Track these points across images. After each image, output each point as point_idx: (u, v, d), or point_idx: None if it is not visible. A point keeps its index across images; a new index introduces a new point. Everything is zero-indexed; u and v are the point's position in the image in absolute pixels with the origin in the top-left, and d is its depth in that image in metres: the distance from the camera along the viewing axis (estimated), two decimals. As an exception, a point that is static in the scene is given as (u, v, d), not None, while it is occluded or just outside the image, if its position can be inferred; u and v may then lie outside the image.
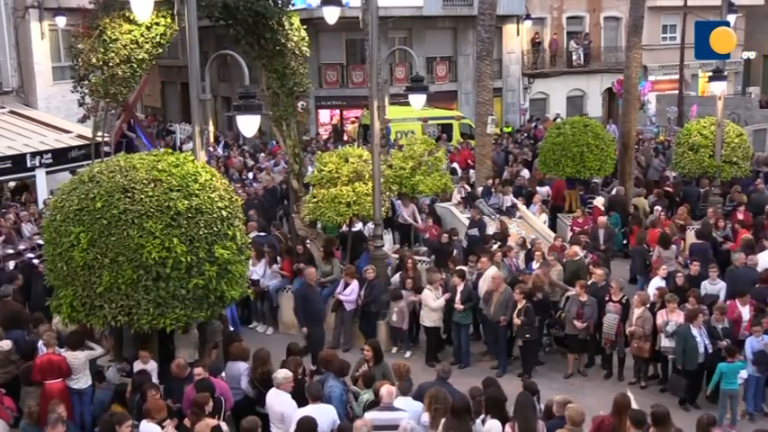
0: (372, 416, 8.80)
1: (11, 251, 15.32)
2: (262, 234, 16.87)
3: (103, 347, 11.61)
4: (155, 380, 10.44)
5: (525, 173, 23.70)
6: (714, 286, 13.79)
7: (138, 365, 10.60)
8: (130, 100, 17.28)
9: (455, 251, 16.17)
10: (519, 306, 13.03)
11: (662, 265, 14.35)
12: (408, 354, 14.19)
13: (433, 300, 13.57)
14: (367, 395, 9.63)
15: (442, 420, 8.52)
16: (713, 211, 17.75)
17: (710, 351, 11.90)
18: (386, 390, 9.00)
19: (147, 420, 8.82)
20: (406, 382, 9.49)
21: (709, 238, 16.47)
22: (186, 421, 8.85)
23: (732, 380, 11.57)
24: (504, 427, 8.67)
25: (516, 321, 13.01)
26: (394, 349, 14.23)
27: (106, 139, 14.60)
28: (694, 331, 11.92)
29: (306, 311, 13.55)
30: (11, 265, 14.61)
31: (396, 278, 14.88)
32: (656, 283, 13.91)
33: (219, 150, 30.29)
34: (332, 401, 9.36)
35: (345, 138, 32.54)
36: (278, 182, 21.64)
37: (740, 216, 17.78)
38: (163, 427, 8.80)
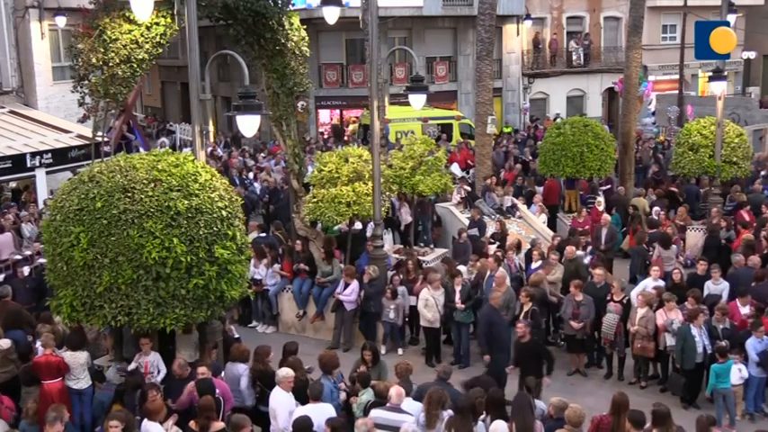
0: (377, 414, 8.83)
1: (19, 257, 15.17)
2: (262, 235, 16.88)
3: (101, 347, 11.61)
4: (160, 371, 10.50)
5: (457, 169, 23.37)
6: (717, 286, 13.77)
7: (135, 360, 10.57)
8: (129, 101, 17.29)
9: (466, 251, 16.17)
10: (525, 309, 12.97)
11: (654, 267, 14.29)
12: (401, 351, 14.21)
13: (424, 305, 13.61)
14: (366, 395, 9.62)
15: (445, 420, 8.53)
16: (717, 211, 17.75)
17: (710, 351, 11.89)
18: (395, 391, 8.99)
19: (149, 420, 8.83)
20: (405, 382, 9.48)
21: (715, 238, 16.52)
22: (192, 424, 8.84)
23: (724, 379, 11.59)
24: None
25: (520, 326, 12.96)
26: (400, 350, 14.27)
27: (106, 139, 14.60)
28: (694, 331, 11.92)
29: (491, 336, 12.24)
30: (26, 270, 14.31)
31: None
32: (648, 283, 13.89)
33: (219, 151, 30.31)
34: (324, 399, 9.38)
35: (346, 138, 32.54)
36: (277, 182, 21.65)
37: (746, 216, 17.75)
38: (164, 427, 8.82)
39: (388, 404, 8.94)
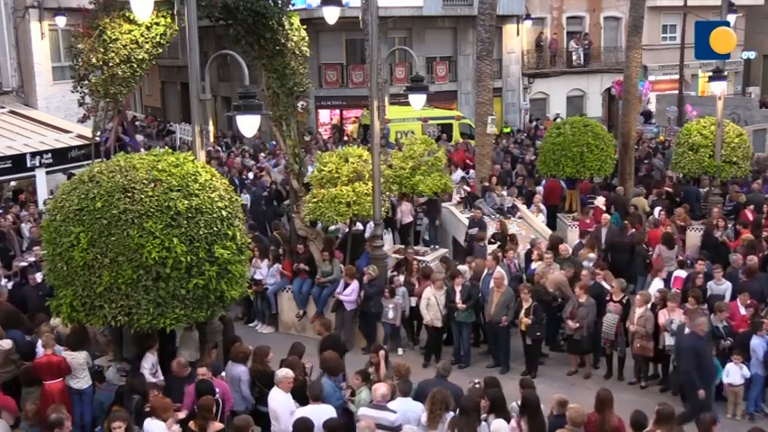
0: (363, 412, 8.93)
1: (25, 263, 14.90)
2: (256, 234, 16.87)
3: (100, 347, 11.59)
4: (156, 374, 10.48)
5: (459, 173, 23.34)
6: (719, 286, 13.78)
7: (149, 360, 10.58)
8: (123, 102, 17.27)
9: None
10: (526, 306, 13.06)
11: (663, 267, 14.28)
12: (401, 351, 14.24)
13: (426, 304, 13.62)
14: (364, 393, 9.61)
15: (447, 420, 8.53)
16: (717, 211, 17.77)
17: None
18: (379, 389, 9.06)
19: (153, 419, 8.82)
20: (405, 382, 9.47)
21: (711, 236, 16.52)
22: (191, 424, 8.83)
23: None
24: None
25: (526, 321, 13.01)
26: (400, 350, 14.30)
27: (98, 140, 14.58)
28: (686, 331, 11.95)
29: (699, 367, 11.02)
30: (38, 277, 13.50)
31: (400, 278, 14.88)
32: (657, 284, 13.88)
33: (221, 153, 30.24)
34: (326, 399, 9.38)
35: (346, 138, 32.55)
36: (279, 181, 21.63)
37: (750, 216, 17.76)
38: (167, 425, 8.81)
39: (373, 402, 9.01)
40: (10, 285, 14.02)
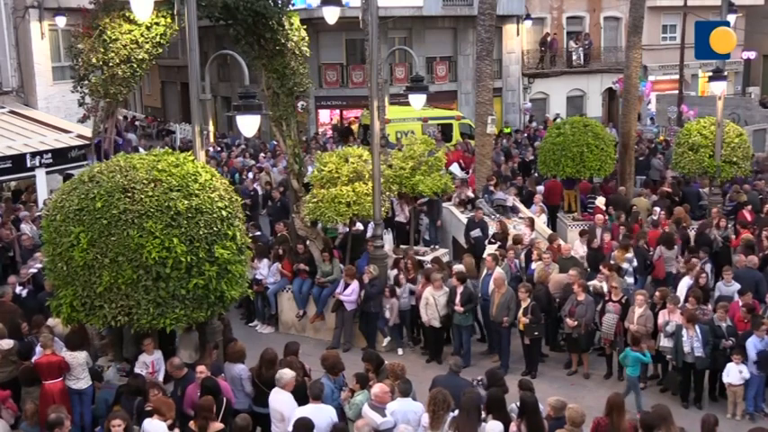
0: (363, 410, 8.94)
1: (34, 270, 14.73)
2: (257, 234, 16.87)
3: (99, 348, 11.59)
4: (161, 371, 10.49)
5: (457, 169, 23.34)
6: (729, 288, 13.75)
7: (140, 359, 10.56)
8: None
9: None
10: (524, 305, 13.07)
11: (695, 266, 14.24)
12: (401, 351, 14.23)
13: (425, 304, 13.61)
14: (361, 396, 9.60)
15: (448, 420, 8.54)
16: (717, 211, 17.77)
17: (699, 353, 11.92)
18: (373, 388, 9.08)
19: (153, 418, 8.81)
20: (405, 383, 9.45)
21: (705, 236, 16.55)
22: (191, 424, 8.83)
23: (634, 367, 11.88)
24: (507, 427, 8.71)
25: (524, 320, 13.02)
26: (400, 351, 14.30)
27: (97, 140, 14.56)
28: (683, 331, 11.97)
29: None
30: None
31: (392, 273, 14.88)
32: (686, 283, 13.85)
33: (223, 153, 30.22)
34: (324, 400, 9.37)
35: (351, 139, 32.41)
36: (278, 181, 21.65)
37: (747, 216, 17.75)
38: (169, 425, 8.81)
39: (373, 402, 8.99)
40: (24, 293, 13.77)
